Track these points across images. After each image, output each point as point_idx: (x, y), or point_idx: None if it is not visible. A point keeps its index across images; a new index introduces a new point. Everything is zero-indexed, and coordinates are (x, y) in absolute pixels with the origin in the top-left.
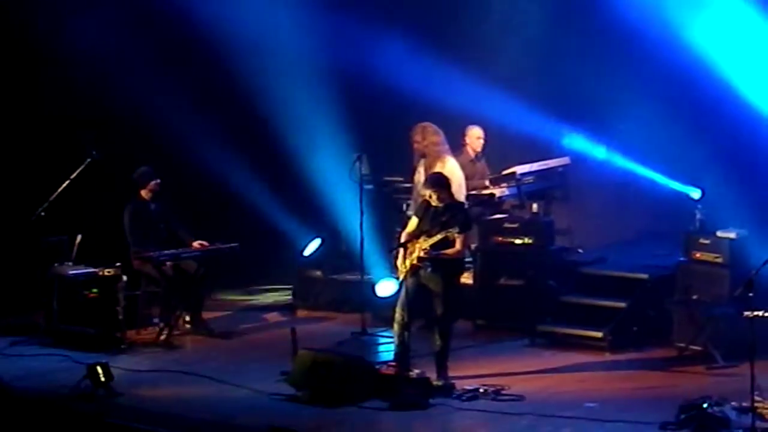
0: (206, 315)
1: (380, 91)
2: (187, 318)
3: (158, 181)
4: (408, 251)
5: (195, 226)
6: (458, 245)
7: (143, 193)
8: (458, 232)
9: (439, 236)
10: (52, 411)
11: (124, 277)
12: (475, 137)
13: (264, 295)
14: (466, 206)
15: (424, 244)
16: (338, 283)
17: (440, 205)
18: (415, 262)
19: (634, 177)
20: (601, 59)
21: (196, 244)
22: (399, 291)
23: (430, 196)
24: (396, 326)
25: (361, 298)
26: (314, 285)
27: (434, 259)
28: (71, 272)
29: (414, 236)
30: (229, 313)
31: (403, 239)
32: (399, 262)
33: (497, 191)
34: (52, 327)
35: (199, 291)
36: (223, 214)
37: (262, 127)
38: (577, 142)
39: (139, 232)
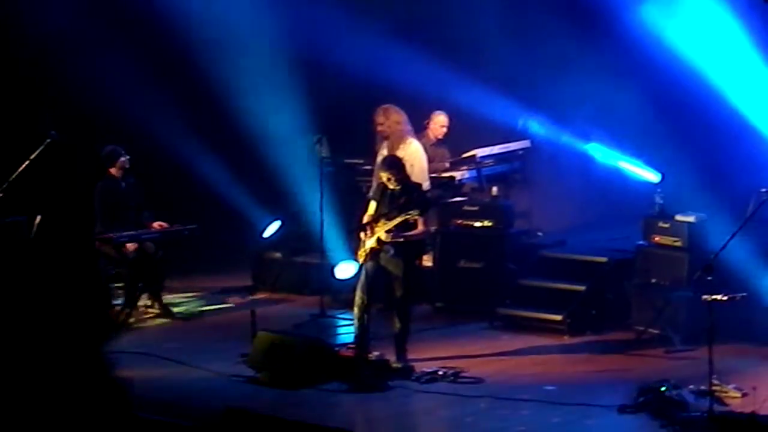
0: (166, 297)
1: (341, 73)
2: (147, 300)
3: (127, 157)
4: (367, 234)
5: (154, 207)
6: (420, 226)
7: (113, 171)
8: (419, 214)
9: (399, 219)
10: None
11: None
12: (438, 124)
13: (223, 276)
14: (428, 188)
15: (384, 227)
16: (298, 266)
17: (397, 187)
18: (375, 245)
19: (594, 160)
20: (563, 42)
21: (155, 225)
22: (358, 273)
23: (388, 179)
24: (356, 309)
25: (321, 280)
26: (274, 267)
27: (396, 242)
28: None
29: (373, 219)
30: (188, 294)
31: (364, 222)
32: (359, 245)
33: (457, 174)
34: None
35: (158, 273)
36: (183, 196)
37: (222, 108)
38: (537, 125)
39: (108, 211)
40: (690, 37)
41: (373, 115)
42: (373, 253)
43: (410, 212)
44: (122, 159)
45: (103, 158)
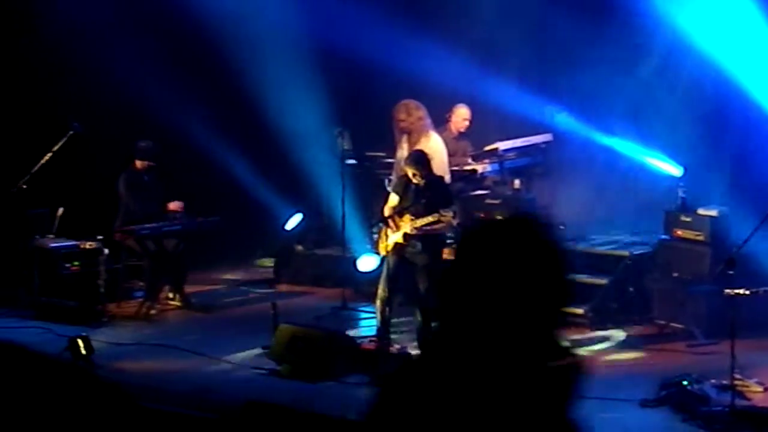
0: (187, 289)
1: (363, 66)
2: (169, 292)
3: (153, 164)
4: (390, 228)
5: (177, 200)
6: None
7: (138, 164)
8: (452, 216)
9: (431, 218)
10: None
11: (106, 250)
12: (461, 117)
13: (245, 269)
14: (448, 181)
15: (412, 223)
16: (319, 258)
17: (422, 182)
18: (400, 240)
19: (616, 154)
20: (587, 35)
21: (172, 205)
22: (380, 266)
23: (414, 175)
24: (378, 301)
25: (342, 273)
26: (295, 259)
27: (423, 236)
28: (53, 245)
29: (396, 213)
30: (210, 287)
31: (385, 215)
32: (381, 237)
33: (479, 167)
34: (33, 299)
35: (180, 265)
36: (205, 189)
37: (244, 101)
38: (563, 117)
39: (130, 203)
40: (714, 29)
41: (393, 110)
42: (398, 248)
43: (444, 214)
44: (150, 162)
45: (135, 149)
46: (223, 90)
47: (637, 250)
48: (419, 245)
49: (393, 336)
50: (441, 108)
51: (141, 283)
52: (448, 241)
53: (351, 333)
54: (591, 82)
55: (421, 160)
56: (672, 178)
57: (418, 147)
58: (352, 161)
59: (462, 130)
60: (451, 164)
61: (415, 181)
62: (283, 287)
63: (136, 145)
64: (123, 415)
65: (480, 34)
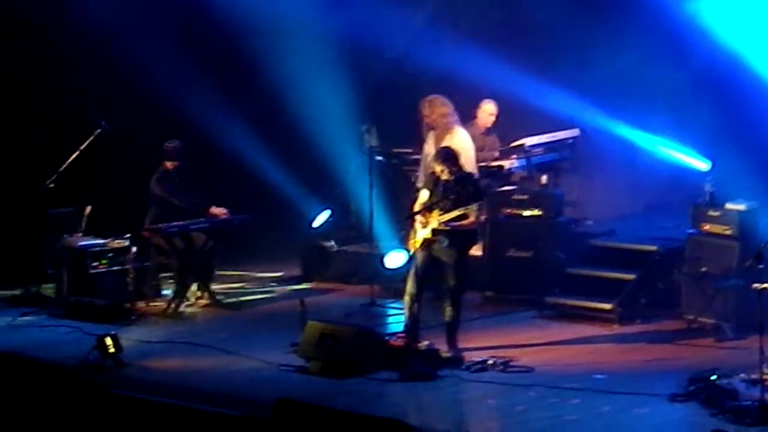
0: (216, 287)
1: (391, 62)
2: (197, 290)
3: (182, 163)
4: (419, 224)
5: (207, 198)
6: (472, 216)
7: (168, 164)
8: (478, 209)
9: (457, 212)
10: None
11: (134, 249)
12: (487, 113)
13: (273, 266)
14: (476, 177)
15: (440, 218)
16: (347, 255)
17: (450, 178)
18: (429, 236)
19: (643, 149)
20: (615, 31)
21: (214, 210)
22: (409, 263)
23: (442, 171)
24: (406, 298)
25: (371, 269)
26: (324, 256)
27: (450, 231)
28: (81, 243)
29: (426, 209)
30: (238, 284)
31: (414, 211)
32: (410, 234)
33: (506, 163)
34: (61, 298)
35: (208, 263)
36: (234, 186)
37: (272, 98)
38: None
39: (177, 199)
40: (742, 24)
41: (419, 106)
42: (426, 244)
43: (468, 207)
44: (179, 163)
45: (164, 150)
46: (251, 87)
47: (665, 245)
48: (447, 241)
49: (421, 332)
50: (469, 104)
51: (169, 281)
52: (477, 237)
53: (379, 330)
54: (618, 76)
55: (449, 156)
56: (700, 172)
57: (443, 143)
58: (379, 158)
59: (488, 125)
60: (478, 159)
61: (443, 177)
62: (311, 284)
63: (163, 146)
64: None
65: (509, 30)
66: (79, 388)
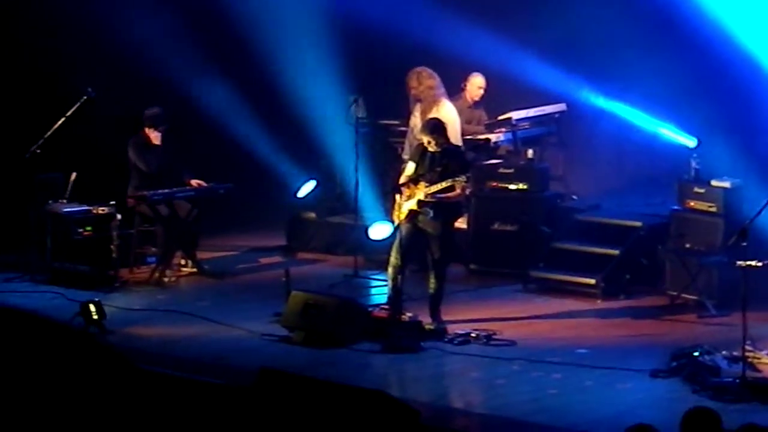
0: (200, 255)
1: (378, 33)
2: (181, 258)
3: (162, 131)
4: (405, 195)
5: (189, 166)
6: (458, 189)
7: (147, 131)
8: (465, 181)
9: (444, 184)
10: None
11: (119, 216)
12: (476, 86)
13: (257, 236)
14: (463, 149)
15: (427, 190)
16: (332, 226)
17: (438, 150)
18: (414, 207)
19: (630, 124)
20: (602, 6)
21: (194, 182)
22: (393, 234)
23: (429, 142)
24: (390, 269)
25: (355, 241)
26: (308, 227)
27: (436, 203)
28: (65, 210)
29: (412, 180)
30: (222, 253)
31: (400, 183)
32: (395, 206)
33: (492, 136)
34: (45, 264)
35: (193, 231)
36: (218, 155)
37: (258, 68)
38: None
39: (146, 165)
40: (736, 6)
41: (406, 78)
42: (411, 216)
43: (457, 179)
44: (158, 131)
45: (144, 117)
46: (236, 57)
47: (650, 221)
48: (431, 212)
49: (404, 304)
50: (457, 76)
51: (153, 249)
52: (462, 210)
53: (363, 301)
54: (605, 53)
55: (436, 128)
56: (686, 149)
57: (430, 115)
58: (365, 129)
59: (477, 98)
60: (465, 133)
61: (430, 149)
62: (296, 254)
63: (146, 112)
64: (128, 380)
65: (497, 3)
66: (81, 343)
